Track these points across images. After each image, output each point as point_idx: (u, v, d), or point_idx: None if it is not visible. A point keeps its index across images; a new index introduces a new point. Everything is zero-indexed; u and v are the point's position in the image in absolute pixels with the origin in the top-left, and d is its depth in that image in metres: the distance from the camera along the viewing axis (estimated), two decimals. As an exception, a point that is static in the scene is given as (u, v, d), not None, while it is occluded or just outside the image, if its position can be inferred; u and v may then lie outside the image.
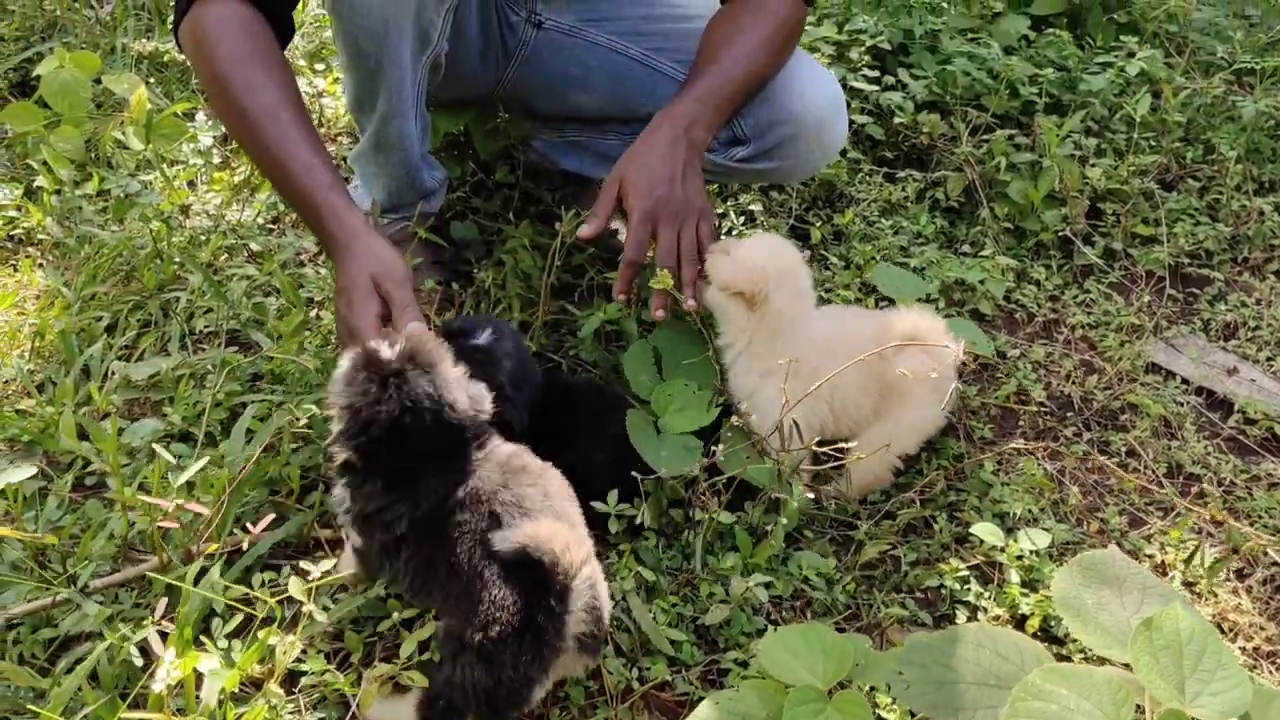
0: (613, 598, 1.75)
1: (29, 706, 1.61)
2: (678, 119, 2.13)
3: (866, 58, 3.25)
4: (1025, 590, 1.98)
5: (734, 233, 2.87)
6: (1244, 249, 2.99)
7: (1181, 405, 2.47)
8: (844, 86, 2.42)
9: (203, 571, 1.76)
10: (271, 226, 2.82)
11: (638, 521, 1.93)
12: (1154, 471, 2.30)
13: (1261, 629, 1.98)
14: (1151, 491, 2.24)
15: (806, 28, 2.43)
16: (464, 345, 1.85)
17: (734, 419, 2.06)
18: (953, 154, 3.08)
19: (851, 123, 2.76)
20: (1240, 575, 2.09)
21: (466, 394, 1.64)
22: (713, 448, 1.93)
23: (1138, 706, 1.34)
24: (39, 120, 2.97)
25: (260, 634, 1.66)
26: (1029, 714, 1.32)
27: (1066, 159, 3.00)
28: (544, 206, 2.85)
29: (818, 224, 2.91)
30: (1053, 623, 1.93)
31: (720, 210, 2.93)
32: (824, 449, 1.96)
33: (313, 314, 2.42)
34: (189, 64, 2.73)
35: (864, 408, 2.10)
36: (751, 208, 2.97)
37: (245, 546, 1.89)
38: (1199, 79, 3.44)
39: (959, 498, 2.19)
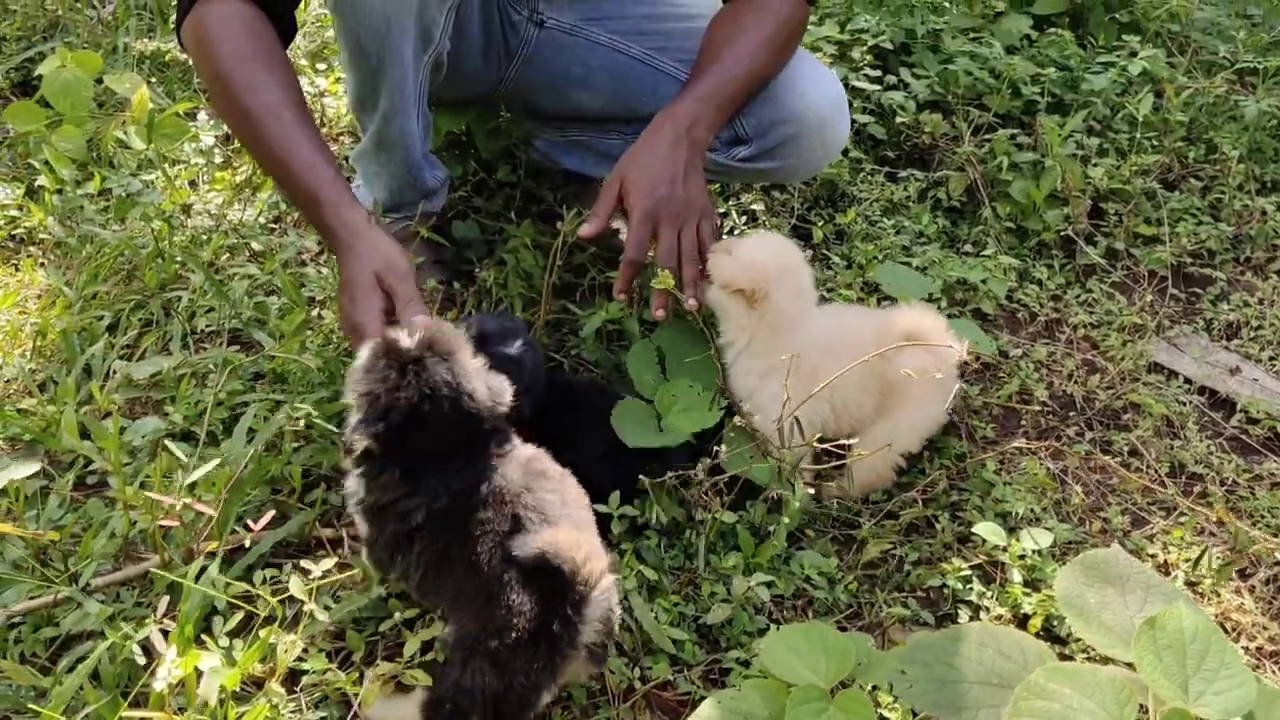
0: (615, 597, 1.74)
1: (30, 705, 1.61)
2: (679, 118, 2.13)
3: (868, 57, 3.24)
4: (1027, 590, 1.98)
5: (736, 232, 2.87)
6: (1246, 248, 2.99)
7: (1184, 405, 2.46)
8: (846, 86, 2.42)
9: (204, 570, 1.76)
10: (273, 226, 2.82)
11: (640, 521, 1.93)
12: (1156, 471, 2.29)
13: (1264, 629, 1.97)
14: (1154, 491, 2.24)
15: (808, 27, 2.43)
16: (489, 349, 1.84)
17: (737, 419, 2.06)
18: (955, 153, 3.08)
19: (853, 122, 2.76)
20: (1243, 575, 2.08)
21: (486, 384, 1.63)
22: (715, 447, 1.93)
23: (1141, 706, 1.34)
24: (41, 120, 2.97)
25: (262, 633, 1.66)
26: (1032, 713, 1.32)
27: (1068, 158, 2.99)
28: (545, 206, 2.84)
29: (820, 223, 2.91)
30: (1055, 622, 1.93)
31: (722, 210, 2.92)
32: (825, 446, 1.96)
33: (314, 313, 2.42)
34: (191, 63, 2.74)
35: (865, 406, 2.10)
36: (753, 207, 2.97)
37: (246, 545, 1.89)
38: (1201, 78, 3.43)
39: (961, 497, 2.19)
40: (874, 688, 1.71)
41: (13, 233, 2.76)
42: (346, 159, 2.79)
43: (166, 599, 1.74)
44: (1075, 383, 2.50)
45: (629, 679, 1.77)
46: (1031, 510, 2.14)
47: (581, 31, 2.44)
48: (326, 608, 1.76)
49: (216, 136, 3.04)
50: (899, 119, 3.14)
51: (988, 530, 2.02)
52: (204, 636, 1.71)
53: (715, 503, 1.95)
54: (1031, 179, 2.99)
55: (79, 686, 1.60)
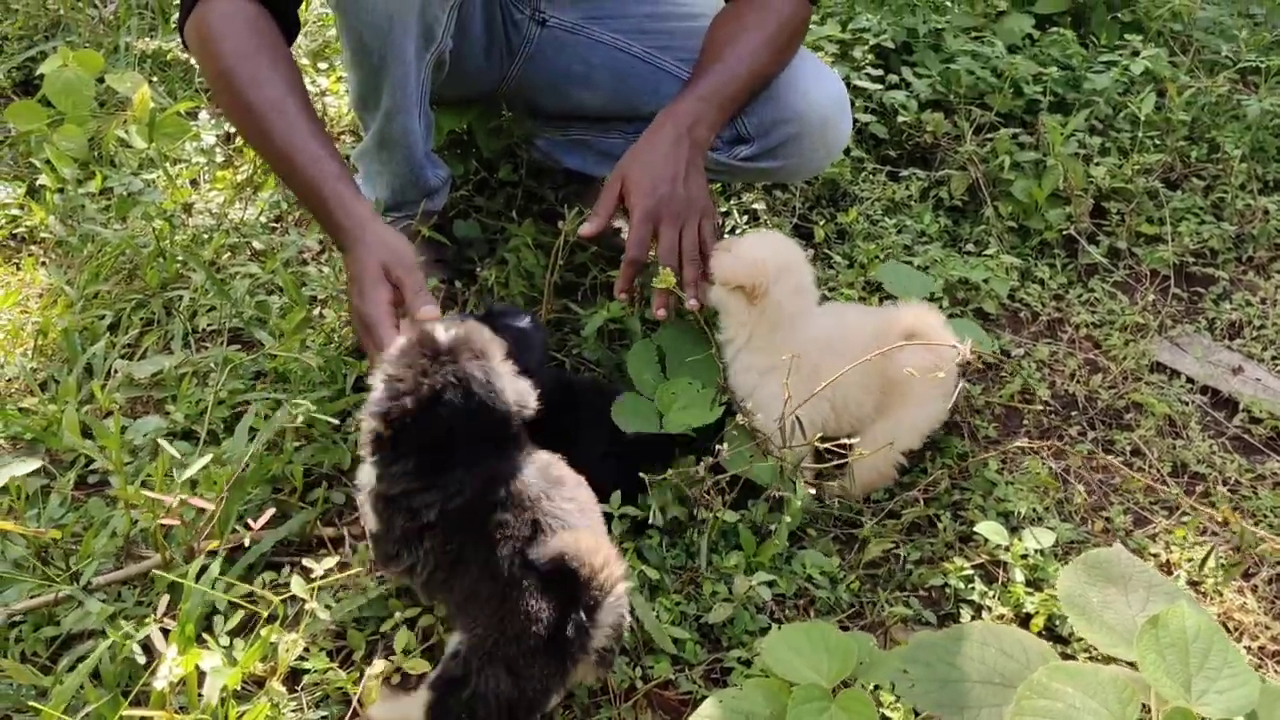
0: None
1: (31, 704, 1.61)
2: (681, 117, 2.13)
3: (870, 56, 3.24)
4: (1030, 589, 1.97)
5: (737, 231, 2.86)
6: (1249, 248, 2.99)
7: (1186, 404, 2.46)
8: (847, 85, 2.42)
9: (205, 569, 1.76)
10: (274, 225, 2.81)
11: (641, 520, 1.93)
12: (1159, 470, 2.29)
13: (1267, 628, 1.97)
14: (1156, 490, 2.23)
15: (810, 26, 2.43)
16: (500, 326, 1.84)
17: (738, 417, 2.05)
18: (956, 153, 3.08)
19: (855, 121, 2.76)
20: (1246, 575, 2.08)
21: (514, 387, 1.62)
22: (716, 446, 1.93)
23: (1143, 705, 1.34)
24: (42, 119, 2.97)
25: (263, 632, 1.66)
26: (1035, 712, 1.31)
27: (1071, 158, 2.99)
28: (547, 205, 2.84)
29: (821, 223, 2.90)
30: (1057, 622, 1.93)
31: (723, 209, 2.92)
32: (827, 445, 1.95)
33: (315, 312, 2.42)
34: (194, 61, 2.74)
35: (865, 405, 2.09)
36: (755, 206, 2.96)
37: (247, 544, 1.89)
38: (1203, 78, 3.43)
39: (963, 496, 2.18)
40: (876, 687, 1.71)
41: (14, 232, 2.76)
42: (348, 158, 2.79)
43: (167, 598, 1.73)
44: (1077, 382, 2.49)
45: (630, 678, 1.77)
46: (1034, 510, 2.13)
47: (583, 30, 2.44)
48: (328, 606, 1.76)
49: (218, 135, 3.04)
50: (901, 118, 3.14)
51: (990, 530, 2.02)
52: (205, 635, 1.71)
53: (717, 502, 1.95)
54: (1033, 178, 2.99)
55: (80, 685, 1.59)
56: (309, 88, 3.04)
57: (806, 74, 2.33)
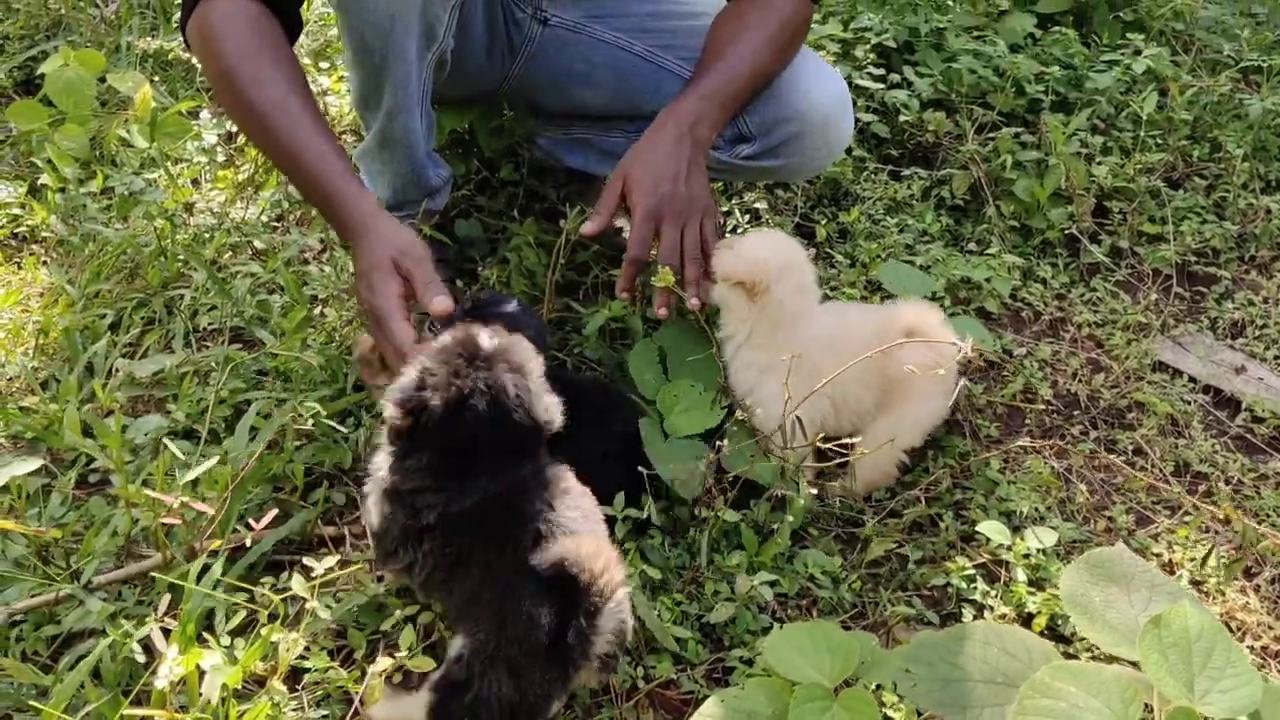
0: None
1: (31, 703, 1.61)
2: (683, 116, 2.13)
3: (872, 55, 3.24)
4: (1032, 589, 1.97)
5: (739, 231, 2.86)
6: (1251, 247, 2.98)
7: (1189, 403, 2.46)
8: (849, 84, 2.42)
9: (206, 568, 1.75)
10: (276, 224, 2.81)
11: (643, 518, 1.92)
12: (1161, 470, 2.29)
13: (1270, 628, 1.97)
14: (1159, 490, 2.23)
15: (812, 25, 2.42)
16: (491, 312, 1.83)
17: (739, 414, 2.05)
18: (958, 152, 3.07)
19: (857, 120, 2.76)
20: (1249, 574, 2.08)
21: (543, 405, 1.61)
22: (718, 443, 1.92)
23: (1146, 705, 1.33)
24: (44, 118, 2.97)
25: (263, 631, 1.65)
26: (1037, 712, 1.31)
27: (1072, 157, 2.98)
28: (549, 204, 2.84)
29: (823, 222, 2.90)
30: (1059, 621, 1.92)
31: (725, 208, 2.92)
32: (828, 445, 1.95)
33: (317, 311, 2.42)
34: (196, 61, 2.74)
35: (865, 402, 2.09)
36: (756, 206, 2.96)
37: (248, 543, 1.89)
38: (1205, 77, 3.43)
39: (965, 496, 2.18)
40: (878, 687, 1.70)
41: (15, 231, 2.76)
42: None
43: (168, 597, 1.73)
44: (1080, 381, 2.49)
45: (632, 677, 1.77)
46: (1036, 509, 2.13)
47: (585, 29, 2.44)
48: (328, 606, 1.76)
49: (219, 135, 3.04)
50: (902, 117, 3.13)
51: (992, 529, 2.02)
52: (205, 634, 1.70)
53: (718, 501, 1.95)
54: (1035, 177, 2.99)
55: (80, 684, 1.59)
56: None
57: (808, 73, 2.32)
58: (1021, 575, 1.99)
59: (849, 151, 3.06)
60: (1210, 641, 1.37)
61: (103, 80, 3.13)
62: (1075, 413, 2.43)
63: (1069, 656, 1.83)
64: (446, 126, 2.70)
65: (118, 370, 2.26)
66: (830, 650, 1.54)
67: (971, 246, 2.91)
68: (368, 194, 1.91)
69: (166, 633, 1.66)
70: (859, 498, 2.15)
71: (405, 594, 1.82)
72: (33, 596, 1.79)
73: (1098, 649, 1.57)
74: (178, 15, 2.95)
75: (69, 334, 2.32)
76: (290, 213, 2.83)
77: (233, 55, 1.95)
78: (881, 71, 3.20)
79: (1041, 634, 1.85)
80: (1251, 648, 1.94)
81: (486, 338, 1.59)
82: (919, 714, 1.70)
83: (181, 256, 2.57)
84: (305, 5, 2.10)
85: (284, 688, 1.63)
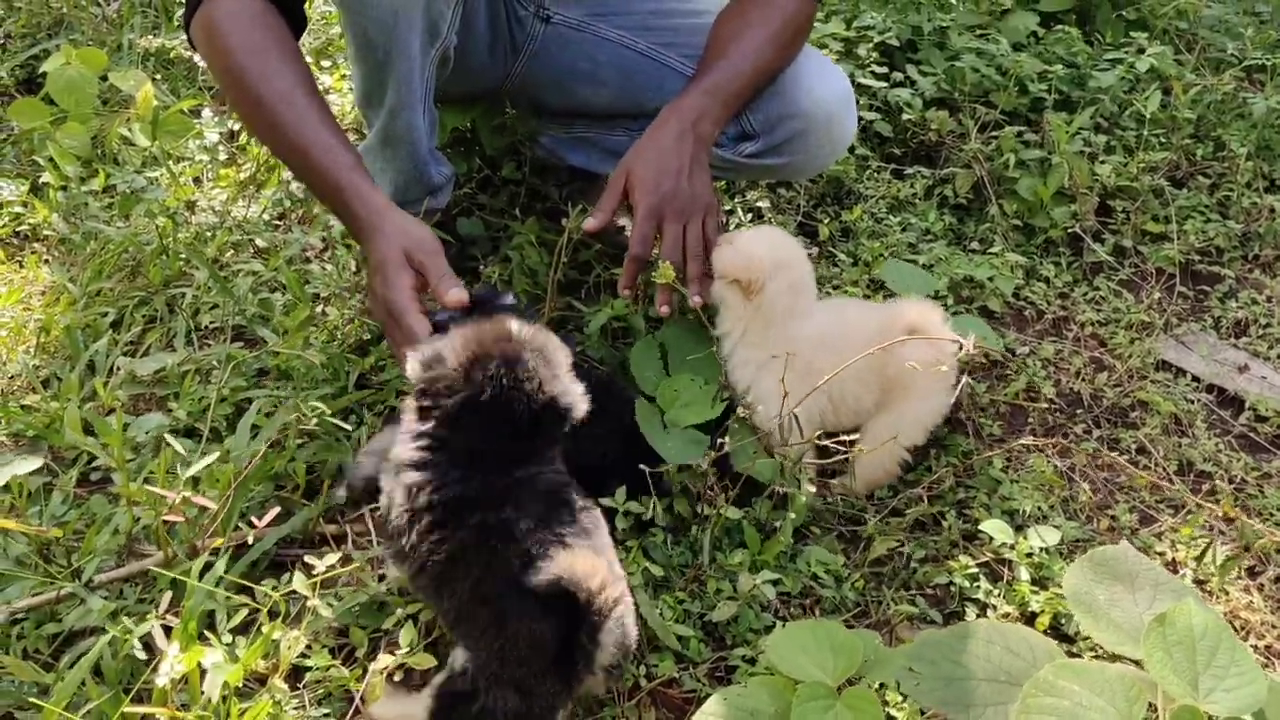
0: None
1: (33, 701, 1.60)
2: (685, 113, 2.12)
3: (874, 54, 3.23)
4: (1035, 588, 1.97)
5: (740, 229, 2.85)
6: (1254, 246, 2.98)
7: (1192, 402, 2.45)
8: (852, 83, 2.42)
9: (207, 566, 1.75)
10: (277, 222, 2.81)
11: (646, 517, 1.92)
12: (1164, 469, 2.28)
13: (1274, 627, 1.96)
14: (1162, 489, 2.22)
15: (814, 23, 2.42)
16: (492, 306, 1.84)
17: (740, 411, 2.05)
18: (961, 151, 3.07)
19: (859, 119, 2.75)
20: (1252, 573, 2.07)
21: (564, 386, 1.62)
22: (719, 440, 1.92)
23: (1150, 703, 1.33)
24: (45, 117, 2.97)
25: (265, 629, 1.65)
26: (1041, 710, 1.31)
27: (1076, 156, 2.98)
28: (551, 203, 2.84)
29: (825, 221, 2.90)
30: (1063, 620, 1.92)
31: (728, 207, 2.92)
32: (828, 442, 1.95)
33: (318, 309, 2.42)
34: (200, 59, 2.73)
35: (864, 400, 2.09)
36: (759, 204, 2.96)
37: (250, 541, 1.89)
38: (1209, 76, 3.42)
39: (968, 494, 2.18)
40: (881, 685, 1.70)
41: (17, 229, 2.76)
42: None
43: (169, 595, 1.73)
44: (1083, 380, 2.49)
45: (634, 676, 1.76)
46: (1039, 508, 2.13)
47: (588, 27, 2.44)
48: (330, 604, 1.76)
49: (221, 133, 3.04)
50: (905, 116, 3.13)
51: (995, 528, 2.01)
52: (207, 632, 1.70)
53: (720, 499, 1.95)
54: (1039, 176, 2.98)
55: (81, 682, 1.59)
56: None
57: (812, 71, 2.32)
58: (1024, 574, 1.98)
59: (852, 150, 3.05)
60: (1215, 640, 1.36)
61: (104, 78, 3.13)
62: (1078, 411, 2.43)
63: (1072, 655, 1.83)
64: (449, 124, 2.70)
65: (119, 368, 2.26)
66: (833, 649, 1.54)
67: (974, 245, 2.91)
68: (377, 188, 1.91)
69: (168, 631, 1.66)
70: (861, 495, 2.15)
71: (407, 592, 1.82)
72: (34, 595, 1.78)
73: (1101, 648, 1.56)
74: (180, 13, 2.95)
75: (70, 332, 2.32)
76: (292, 211, 2.83)
77: (238, 52, 1.95)
78: (884, 70, 3.20)
79: (1045, 633, 1.85)
80: (1255, 647, 1.93)
81: (516, 329, 1.61)
82: (922, 713, 1.70)
83: (183, 255, 2.57)
84: (308, 2, 2.10)
85: (285, 686, 1.63)
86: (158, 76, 3.31)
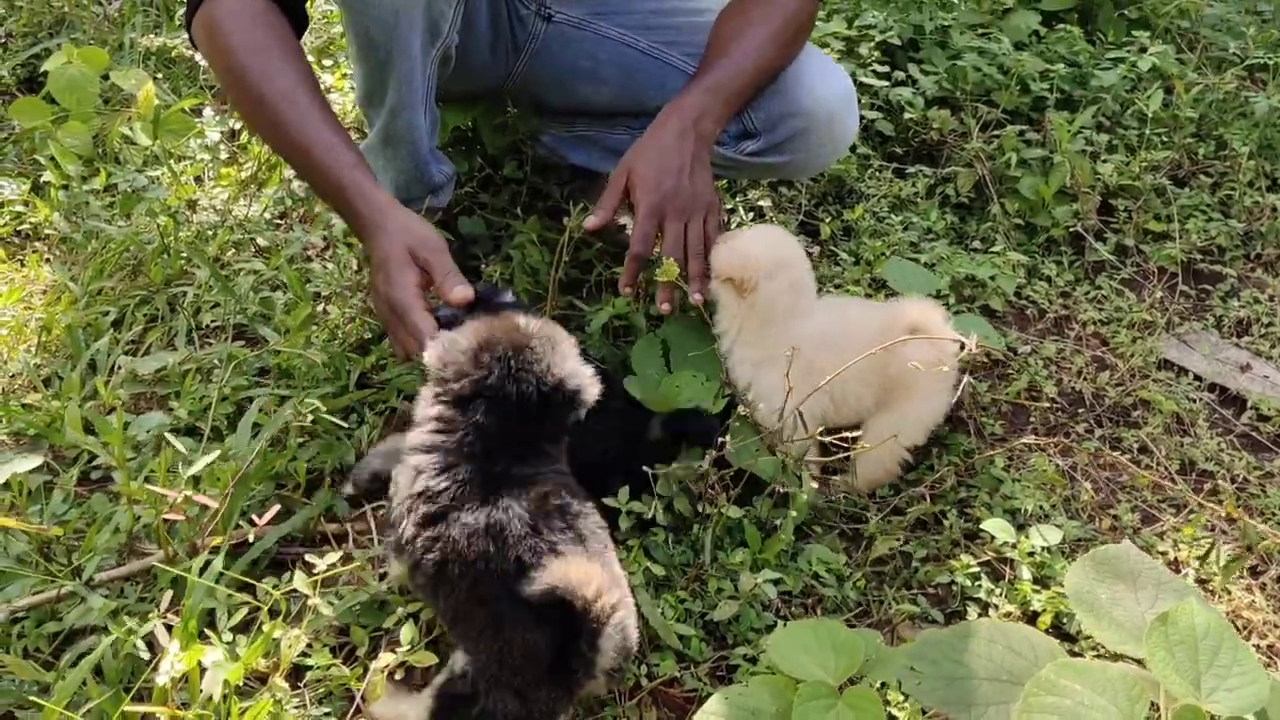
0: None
1: (33, 700, 1.60)
2: (686, 111, 2.12)
3: (876, 53, 3.23)
4: (1037, 587, 1.96)
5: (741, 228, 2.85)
6: (1257, 245, 2.97)
7: (1194, 402, 2.45)
8: (853, 82, 2.42)
9: (208, 565, 1.75)
10: (279, 221, 2.81)
11: (647, 517, 1.92)
12: (1166, 468, 2.28)
13: (1276, 627, 1.96)
14: (1164, 488, 2.22)
15: (816, 23, 2.42)
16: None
17: (740, 409, 2.04)
18: (963, 150, 3.07)
19: (861, 118, 2.75)
20: (1254, 573, 2.07)
21: (571, 368, 1.63)
22: (721, 439, 1.92)
23: (1152, 703, 1.33)
24: (47, 116, 2.97)
25: (265, 628, 1.65)
26: (1043, 709, 1.30)
27: (1078, 155, 2.97)
28: (552, 202, 2.83)
29: (827, 220, 2.89)
30: (1064, 620, 1.91)
31: (729, 206, 2.91)
32: (830, 439, 1.94)
33: (320, 308, 2.42)
34: (202, 58, 2.74)
35: (865, 399, 2.08)
36: (761, 203, 2.95)
37: (250, 540, 1.88)
38: (1211, 75, 3.41)
39: (970, 494, 2.17)
40: (883, 684, 1.70)
41: (18, 228, 2.76)
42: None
43: (170, 594, 1.73)
44: (1084, 379, 2.48)
45: (635, 676, 1.76)
46: (1040, 507, 2.12)
47: (589, 25, 2.44)
48: (330, 603, 1.76)
49: (222, 132, 3.03)
50: (907, 115, 3.13)
51: (996, 527, 2.01)
52: (207, 631, 1.70)
53: (721, 497, 1.94)
54: (1040, 175, 2.98)
55: (82, 681, 1.59)
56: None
57: (813, 69, 2.32)
58: (1026, 573, 1.98)
59: (853, 149, 3.05)
60: (1217, 639, 1.36)
61: (106, 77, 3.12)
62: (1080, 410, 2.42)
63: (1074, 654, 1.82)
64: (450, 123, 2.69)
65: (120, 367, 2.26)
66: (835, 648, 1.53)
67: (976, 244, 2.90)
68: (380, 186, 1.91)
69: (169, 629, 1.66)
70: (862, 494, 2.14)
71: (408, 591, 1.81)
72: (34, 594, 1.78)
73: (1103, 647, 1.56)
74: (181, 12, 2.95)
75: (71, 331, 2.31)
76: (293, 210, 2.82)
77: (240, 50, 1.95)
78: (886, 69, 3.20)
79: (1046, 632, 1.85)
80: (1257, 646, 1.93)
81: (524, 324, 1.64)
82: (924, 712, 1.70)
83: (184, 254, 2.57)
84: (309, 1, 2.09)
85: (286, 685, 1.62)
86: (159, 75, 3.31)
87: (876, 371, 2.04)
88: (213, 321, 2.42)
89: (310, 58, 3.28)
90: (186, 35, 2.10)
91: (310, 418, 2.01)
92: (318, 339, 2.27)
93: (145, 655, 1.64)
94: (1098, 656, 1.79)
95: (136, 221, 2.67)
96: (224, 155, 3.01)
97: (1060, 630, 1.91)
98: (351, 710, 1.66)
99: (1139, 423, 2.39)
